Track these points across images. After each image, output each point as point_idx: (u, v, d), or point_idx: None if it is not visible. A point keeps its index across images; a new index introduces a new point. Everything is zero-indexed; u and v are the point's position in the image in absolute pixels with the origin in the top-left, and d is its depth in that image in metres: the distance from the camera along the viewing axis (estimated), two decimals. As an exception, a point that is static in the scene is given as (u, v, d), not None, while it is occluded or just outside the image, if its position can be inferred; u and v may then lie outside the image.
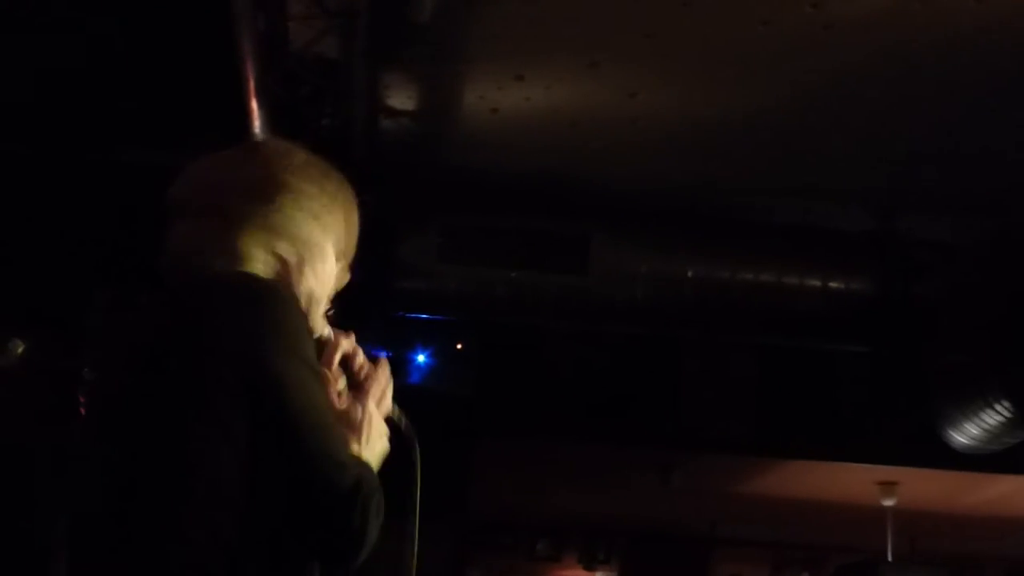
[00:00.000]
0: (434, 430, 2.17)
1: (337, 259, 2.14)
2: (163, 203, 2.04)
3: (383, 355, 2.16)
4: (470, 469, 8.37)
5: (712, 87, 5.34)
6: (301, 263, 2.03)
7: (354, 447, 1.95)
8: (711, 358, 9.00)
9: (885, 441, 8.83)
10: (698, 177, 6.24)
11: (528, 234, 6.33)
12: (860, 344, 6.90)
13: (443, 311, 6.86)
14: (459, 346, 7.93)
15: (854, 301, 6.45)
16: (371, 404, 2.03)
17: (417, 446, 2.15)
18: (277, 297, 1.88)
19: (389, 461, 2.04)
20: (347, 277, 2.16)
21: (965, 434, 7.83)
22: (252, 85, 4.63)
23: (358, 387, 2.06)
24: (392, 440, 2.08)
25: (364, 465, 1.90)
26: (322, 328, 2.08)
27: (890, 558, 10.56)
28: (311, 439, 1.78)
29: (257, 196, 2.00)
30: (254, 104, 4.71)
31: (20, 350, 4.97)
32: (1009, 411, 7.25)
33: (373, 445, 2.01)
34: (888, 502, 10.13)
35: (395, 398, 2.11)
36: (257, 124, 4.77)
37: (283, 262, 2.01)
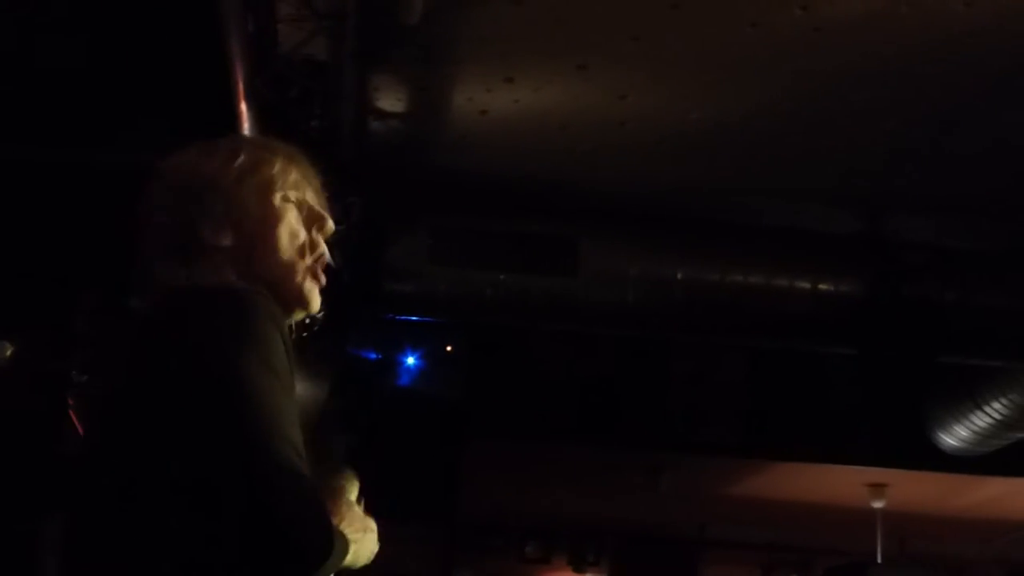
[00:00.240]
0: (424, 432, 2.16)
1: (311, 218, 2.13)
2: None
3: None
4: (460, 471, 8.37)
5: (701, 89, 5.35)
6: (252, 244, 2.03)
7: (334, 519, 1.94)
8: (701, 360, 9.02)
9: (874, 443, 8.86)
10: (688, 179, 6.25)
11: (518, 236, 6.33)
12: (849, 346, 6.91)
13: (433, 313, 6.85)
14: (449, 348, 7.93)
15: (844, 303, 6.46)
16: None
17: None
18: (252, 307, 1.87)
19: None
20: (331, 227, 2.14)
21: (954, 436, 7.86)
22: (241, 87, 4.62)
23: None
24: None
25: (320, 485, 1.89)
26: (315, 304, 2.08)
27: (879, 560, 10.59)
28: (262, 449, 1.75)
29: (190, 204, 2.00)
30: (243, 106, 4.70)
31: (8, 352, 4.96)
32: (998, 413, 7.27)
33: (352, 529, 2.00)
34: (877, 504, 10.15)
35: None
36: (246, 126, 4.77)
37: (231, 246, 2.00)
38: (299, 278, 2.08)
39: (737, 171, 6.17)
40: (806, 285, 6.43)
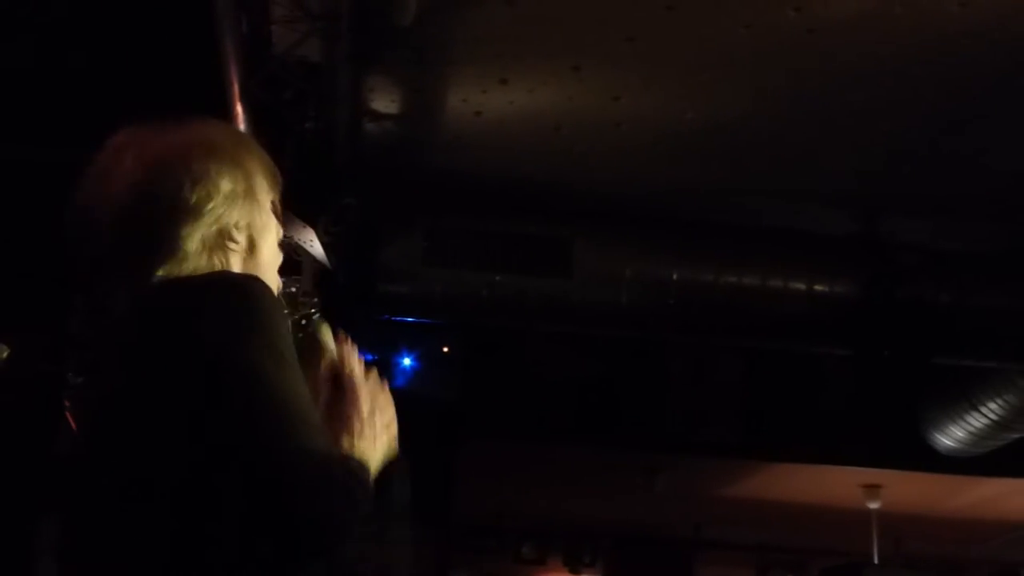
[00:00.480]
0: (419, 434, 2.16)
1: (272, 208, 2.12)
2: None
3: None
4: (455, 472, 8.38)
5: (696, 90, 5.35)
6: (252, 244, 2.03)
7: (345, 441, 1.94)
8: (696, 361, 9.02)
9: (870, 444, 8.87)
10: (682, 180, 6.25)
11: (513, 237, 6.33)
12: (845, 347, 6.91)
13: (428, 314, 6.85)
14: (446, 349, 7.94)
15: (839, 304, 6.46)
16: (364, 402, 2.02)
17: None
18: (251, 291, 1.87)
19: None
20: (281, 231, 2.14)
21: (950, 437, 7.87)
22: (235, 88, 4.62)
23: (350, 384, 2.05)
24: None
25: (348, 457, 1.88)
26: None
27: (875, 561, 10.59)
28: (281, 432, 1.76)
29: (190, 211, 1.98)
30: (238, 107, 4.70)
31: (4, 355, 4.95)
32: (994, 414, 7.28)
33: (368, 440, 1.99)
34: (873, 505, 10.16)
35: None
36: (241, 127, 4.77)
37: (238, 250, 2.00)
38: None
39: (732, 172, 6.17)
40: (801, 286, 6.44)
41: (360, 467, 1.87)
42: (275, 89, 4.95)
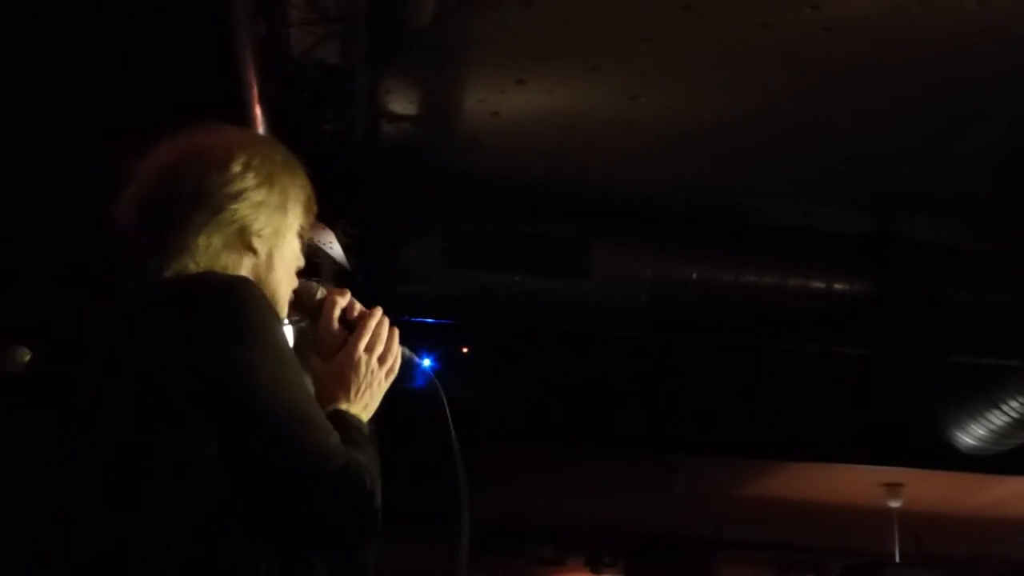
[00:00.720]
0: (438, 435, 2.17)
1: (299, 236, 2.13)
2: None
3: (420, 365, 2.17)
4: (474, 473, 8.37)
5: (713, 89, 5.34)
6: (271, 256, 2.03)
7: (341, 404, 1.96)
8: (714, 361, 9.00)
9: (890, 443, 8.83)
10: (700, 179, 6.24)
11: (530, 238, 6.33)
12: (864, 345, 6.90)
13: (446, 316, 6.85)
14: (465, 350, 7.94)
15: (857, 303, 6.45)
16: (360, 353, 2.03)
17: (443, 398, 2.15)
18: (242, 292, 1.87)
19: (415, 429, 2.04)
20: (302, 261, 2.15)
21: (971, 435, 7.84)
22: (253, 91, 4.63)
23: (360, 322, 2.06)
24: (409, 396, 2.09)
25: (351, 435, 1.89)
26: (318, 293, 2.09)
27: (896, 560, 10.56)
28: (290, 437, 1.78)
29: (210, 205, 1.98)
30: (256, 110, 4.71)
31: (26, 358, 4.98)
32: (1015, 412, 7.25)
33: (364, 396, 2.01)
34: (894, 504, 10.12)
35: (399, 401, 2.11)
36: (260, 130, 4.78)
37: (253, 259, 2.01)
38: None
39: (749, 171, 6.16)
40: (821, 285, 6.42)
41: (363, 457, 1.87)
42: (293, 92, 4.95)
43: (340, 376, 2.01)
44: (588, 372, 8.87)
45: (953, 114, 5.45)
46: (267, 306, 1.89)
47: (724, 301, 6.43)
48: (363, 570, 1.94)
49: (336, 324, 2.06)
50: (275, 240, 2.03)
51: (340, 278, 5.63)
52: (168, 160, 2.03)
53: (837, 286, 6.42)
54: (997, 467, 8.64)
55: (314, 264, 5.17)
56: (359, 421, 1.97)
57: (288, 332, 4.32)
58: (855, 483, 9.90)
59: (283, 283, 2.05)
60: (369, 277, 5.98)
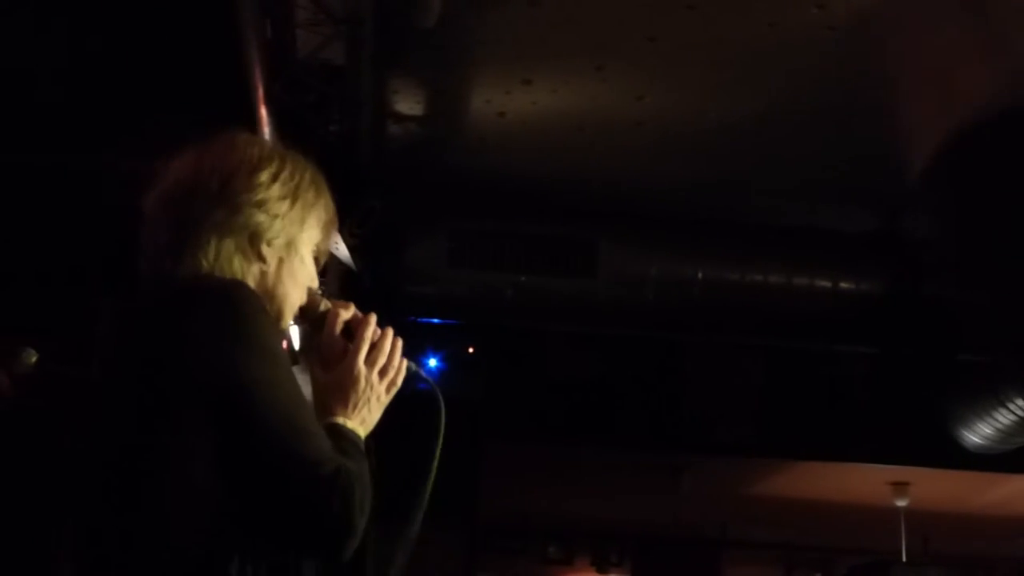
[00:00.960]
0: (444, 434, 2.17)
1: (315, 256, 2.14)
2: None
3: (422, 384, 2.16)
4: (480, 473, 8.37)
5: (718, 89, 5.35)
6: (281, 265, 2.04)
7: (338, 417, 1.96)
8: (720, 360, 9.00)
9: (896, 442, 8.82)
10: (705, 179, 6.24)
11: (536, 238, 6.33)
12: (871, 344, 6.90)
13: (452, 315, 6.86)
14: (471, 350, 7.94)
15: (864, 301, 6.44)
16: (360, 366, 2.03)
17: (442, 409, 2.14)
18: (239, 298, 1.88)
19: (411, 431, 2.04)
20: (316, 282, 2.16)
21: (978, 434, 7.82)
22: (260, 92, 4.64)
23: (359, 333, 2.06)
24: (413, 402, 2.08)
25: (344, 447, 1.89)
26: (321, 306, 2.09)
27: (903, 559, 10.55)
28: (277, 443, 1.78)
29: (230, 205, 2.00)
30: (262, 111, 4.71)
31: (33, 359, 4.98)
32: (1022, 410, 7.23)
33: (362, 411, 2.01)
34: (900, 503, 10.11)
35: (406, 401, 2.11)
36: (265, 131, 4.78)
37: (262, 266, 2.01)
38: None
39: (755, 170, 6.16)
40: (826, 284, 6.42)
41: (355, 466, 1.87)
42: (299, 92, 4.96)
43: (339, 389, 2.01)
44: (594, 372, 8.87)
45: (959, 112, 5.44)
46: (262, 310, 1.90)
47: (730, 300, 6.43)
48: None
49: (338, 336, 2.06)
50: (286, 252, 2.04)
51: (346, 278, 5.63)
52: (201, 159, 2.05)
53: (843, 285, 6.42)
54: (1004, 466, 8.62)
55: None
56: (355, 435, 1.97)
57: (294, 332, 4.32)
58: (862, 482, 9.89)
59: (290, 296, 2.06)
60: (375, 277, 5.99)
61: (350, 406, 1.99)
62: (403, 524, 2.09)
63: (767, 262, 6.42)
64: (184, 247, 1.96)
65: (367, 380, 2.02)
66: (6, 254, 5.54)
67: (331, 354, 2.05)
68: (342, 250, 5.38)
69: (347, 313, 2.09)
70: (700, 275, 6.37)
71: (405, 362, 2.09)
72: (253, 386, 1.79)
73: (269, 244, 2.01)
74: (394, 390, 2.07)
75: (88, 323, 5.01)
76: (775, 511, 11.16)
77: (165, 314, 1.87)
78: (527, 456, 9.43)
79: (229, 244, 1.98)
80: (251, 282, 1.98)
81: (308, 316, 2.10)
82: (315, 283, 2.12)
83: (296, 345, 4.56)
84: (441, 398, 2.14)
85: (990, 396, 7.47)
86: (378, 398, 2.04)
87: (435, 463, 2.13)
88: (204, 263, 1.95)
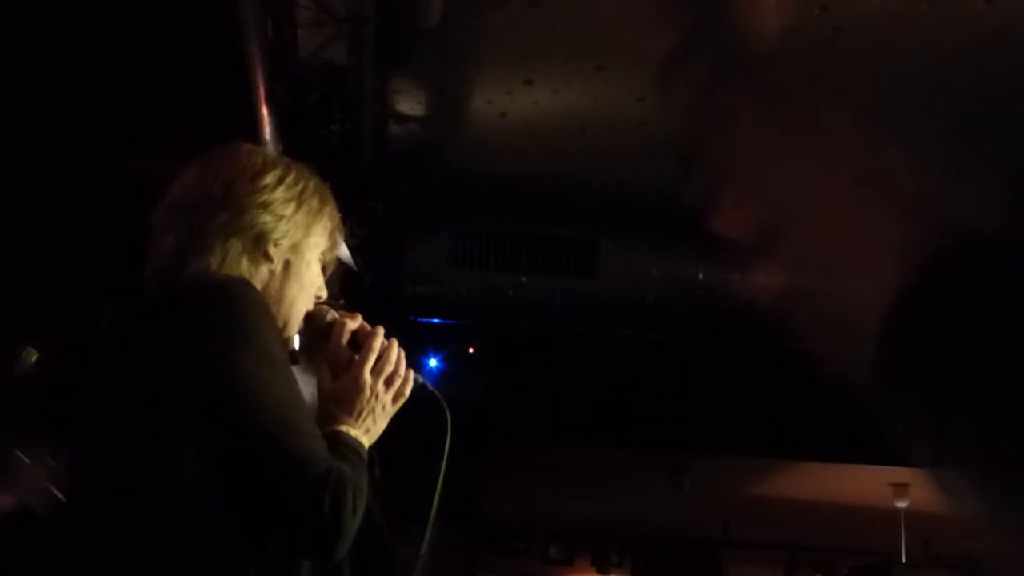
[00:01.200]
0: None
1: (322, 265, 2.15)
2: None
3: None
4: (482, 474, 8.37)
5: (721, 90, 5.33)
6: (287, 268, 2.04)
7: (342, 425, 1.96)
8: (721, 361, 8.99)
9: (897, 443, 8.81)
10: (707, 179, 6.23)
11: (538, 238, 6.33)
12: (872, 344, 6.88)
13: (454, 316, 6.86)
14: (471, 350, 7.94)
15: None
16: (366, 376, 2.03)
17: (448, 417, 2.14)
18: (239, 297, 1.88)
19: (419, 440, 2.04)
20: (324, 291, 2.16)
21: (978, 435, 7.81)
22: (261, 92, 4.63)
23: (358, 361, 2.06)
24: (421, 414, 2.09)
25: (344, 453, 1.90)
26: (328, 316, 2.09)
27: (904, 560, 10.54)
28: (271, 441, 1.79)
29: (235, 207, 2.01)
30: (263, 111, 4.71)
31: (33, 359, 4.98)
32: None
33: (367, 420, 2.01)
34: (901, 504, 10.10)
35: (408, 401, 2.11)
36: (266, 131, 4.77)
37: (269, 268, 2.01)
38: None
39: (757, 171, 6.14)
40: (827, 284, 6.42)
41: (349, 468, 1.87)
42: (300, 92, 4.95)
43: (344, 398, 2.01)
44: (596, 372, 8.86)
45: (964, 114, 5.43)
46: (262, 309, 1.90)
47: (731, 300, 6.43)
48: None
49: (345, 346, 2.07)
50: (292, 255, 2.05)
51: (347, 279, 5.63)
52: (204, 168, 2.07)
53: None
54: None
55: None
56: (357, 443, 1.97)
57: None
58: (863, 483, 9.88)
59: (298, 301, 2.06)
60: (377, 277, 5.98)
61: (354, 415, 2.00)
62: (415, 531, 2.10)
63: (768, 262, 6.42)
64: (190, 251, 1.97)
65: (372, 390, 2.03)
66: (6, 254, 5.54)
67: (337, 363, 2.06)
68: (343, 250, 5.37)
69: (354, 323, 2.10)
70: (701, 275, 6.36)
71: (412, 373, 2.09)
72: (247, 382, 1.80)
73: (275, 245, 2.02)
74: (401, 401, 2.08)
75: (88, 323, 5.01)
76: (776, 512, 11.16)
77: (166, 311, 1.88)
78: (528, 456, 9.43)
79: (236, 245, 1.98)
80: (258, 284, 1.99)
81: (315, 325, 2.10)
82: (323, 292, 2.13)
83: (296, 344, 4.56)
84: (448, 411, 2.14)
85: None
86: (383, 408, 2.04)
87: (443, 475, 2.13)
88: (212, 264, 1.96)
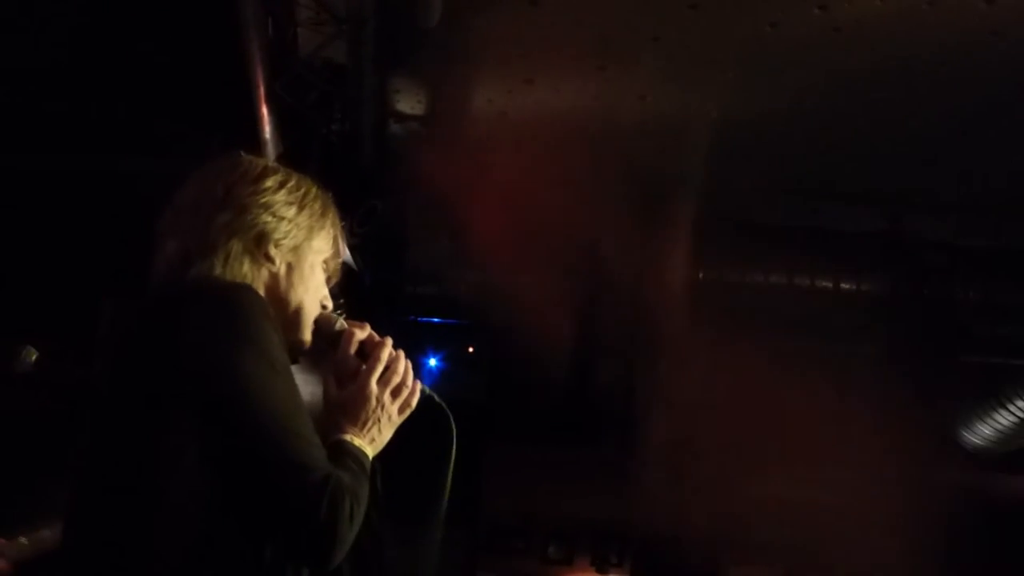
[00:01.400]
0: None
1: (326, 274, 2.15)
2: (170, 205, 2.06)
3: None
4: (481, 474, 8.37)
5: (720, 89, 5.34)
6: (290, 270, 2.04)
7: (347, 434, 1.96)
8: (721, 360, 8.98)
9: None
10: (707, 179, 6.23)
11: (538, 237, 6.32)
12: (872, 345, 6.89)
13: (454, 315, 6.85)
14: (471, 349, 7.94)
15: (866, 302, 6.44)
16: (372, 386, 2.03)
17: (453, 428, 2.15)
18: (239, 301, 1.88)
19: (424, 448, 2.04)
20: (329, 301, 2.16)
21: (978, 435, 7.82)
22: (262, 91, 4.63)
23: (373, 355, 2.06)
24: (426, 423, 2.08)
25: (346, 462, 1.89)
26: (337, 324, 2.09)
27: (903, 560, 10.53)
28: (269, 445, 1.79)
29: (236, 206, 2.01)
30: (264, 110, 4.71)
31: (33, 358, 4.98)
32: (1021, 412, 7.23)
33: (372, 430, 2.00)
34: (901, 503, 10.09)
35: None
36: (267, 130, 4.77)
37: (271, 270, 2.02)
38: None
39: (757, 171, 6.15)
40: (828, 284, 6.42)
41: (348, 476, 1.86)
42: (300, 91, 4.95)
43: (351, 407, 2.01)
44: (595, 372, 8.86)
45: (965, 113, 5.43)
46: (265, 313, 1.90)
47: (730, 300, 6.42)
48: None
49: (353, 356, 2.07)
50: (294, 257, 2.05)
51: (348, 278, 5.62)
52: (206, 174, 2.07)
53: (844, 285, 6.42)
54: (1005, 467, 8.62)
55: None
56: (361, 452, 1.96)
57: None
58: (862, 483, 9.87)
59: (304, 304, 2.06)
60: (377, 277, 5.98)
61: (359, 424, 2.00)
62: (421, 536, 2.10)
63: (768, 262, 6.42)
64: (193, 252, 1.97)
65: (379, 400, 2.03)
66: (6, 254, 5.54)
67: (344, 372, 2.05)
68: (343, 250, 5.37)
69: (362, 333, 2.09)
70: (701, 275, 6.36)
71: (419, 384, 2.09)
72: (248, 384, 1.79)
73: (276, 246, 2.02)
74: (408, 412, 2.07)
75: (88, 323, 5.01)
76: (776, 512, 11.14)
77: (169, 311, 1.88)
78: (528, 456, 9.43)
79: (237, 245, 1.99)
80: (261, 286, 1.99)
81: (323, 333, 2.10)
82: (329, 301, 2.13)
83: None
84: (453, 422, 2.15)
85: (990, 397, 7.48)
86: (389, 419, 2.04)
87: (448, 483, 2.14)
88: (216, 267, 1.96)
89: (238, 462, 1.78)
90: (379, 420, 2.02)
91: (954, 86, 5.19)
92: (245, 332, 1.83)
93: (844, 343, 7.14)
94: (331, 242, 2.14)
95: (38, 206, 5.71)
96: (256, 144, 4.67)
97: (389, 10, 4.57)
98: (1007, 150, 5.71)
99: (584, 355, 8.82)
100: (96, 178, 5.56)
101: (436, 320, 6.96)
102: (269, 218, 2.02)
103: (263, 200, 2.02)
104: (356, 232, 5.47)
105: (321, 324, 2.10)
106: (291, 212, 2.05)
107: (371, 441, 2.00)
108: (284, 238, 2.03)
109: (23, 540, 4.70)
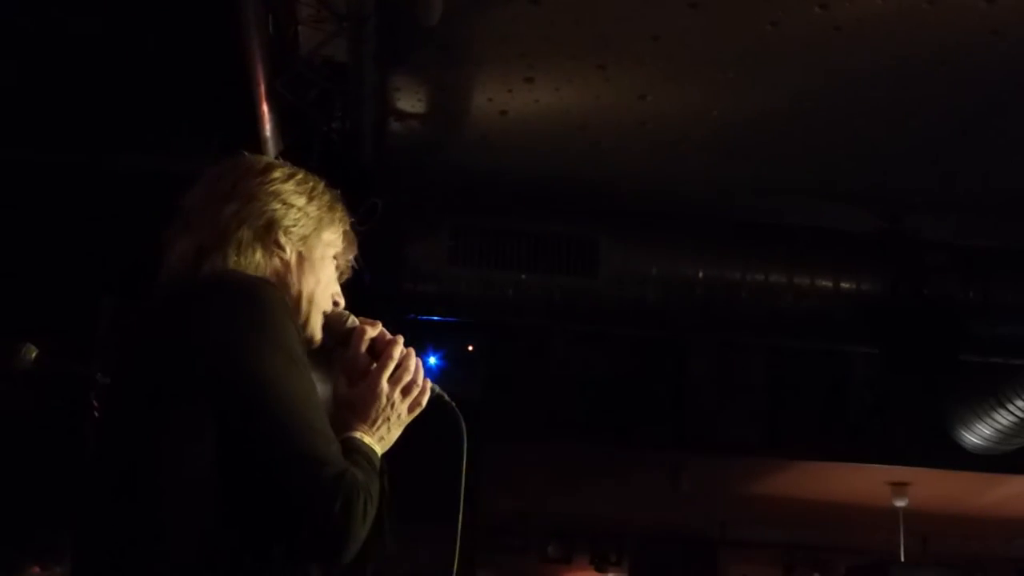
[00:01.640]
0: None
1: (337, 271, 2.15)
2: (174, 207, 2.05)
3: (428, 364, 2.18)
4: (480, 472, 8.37)
5: (721, 88, 5.34)
6: (301, 260, 2.04)
7: (357, 432, 1.96)
8: (720, 359, 9.00)
9: (897, 442, 8.82)
10: (707, 178, 6.24)
11: (538, 236, 6.32)
12: (871, 345, 6.89)
13: (453, 314, 6.85)
14: (470, 348, 7.93)
15: (865, 301, 6.44)
16: (383, 384, 2.02)
17: (464, 428, 2.15)
18: (259, 293, 1.88)
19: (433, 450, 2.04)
20: (341, 297, 2.16)
21: (977, 434, 7.82)
22: (262, 89, 4.63)
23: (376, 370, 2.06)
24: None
25: (357, 459, 1.89)
26: (348, 321, 2.09)
27: (902, 559, 10.55)
28: (286, 438, 1.78)
29: (244, 196, 2.01)
30: (265, 108, 4.71)
31: (33, 355, 4.97)
32: (1021, 411, 7.23)
33: (381, 428, 2.00)
34: (900, 503, 10.11)
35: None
36: (268, 128, 4.77)
37: (282, 258, 2.02)
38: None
39: (757, 169, 6.15)
40: (828, 283, 6.42)
41: (362, 473, 1.86)
42: (301, 89, 4.95)
43: (361, 405, 2.01)
44: (595, 370, 8.86)
45: (964, 112, 5.44)
46: (283, 309, 1.90)
47: (731, 299, 6.43)
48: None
49: (364, 353, 2.06)
50: (304, 246, 2.05)
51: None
52: (213, 171, 2.07)
53: (844, 284, 6.42)
54: (1003, 466, 8.63)
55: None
56: (371, 450, 1.96)
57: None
58: (861, 482, 9.88)
59: (316, 297, 2.06)
60: (377, 275, 5.98)
61: (369, 422, 1.99)
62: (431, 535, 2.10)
63: (768, 261, 6.42)
64: (205, 246, 1.97)
65: (389, 398, 2.02)
66: (6, 253, 5.54)
67: (355, 370, 2.05)
68: (354, 247, 5.37)
69: (374, 331, 2.09)
70: (701, 274, 6.36)
71: (429, 383, 2.09)
72: (266, 376, 1.79)
73: (286, 234, 2.03)
74: (418, 410, 2.07)
75: (88, 321, 5.01)
76: (775, 510, 11.16)
77: (185, 304, 1.87)
78: (527, 454, 9.42)
79: (247, 233, 1.99)
80: (272, 274, 1.99)
81: (334, 330, 2.09)
82: (340, 298, 2.13)
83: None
84: (463, 423, 2.14)
85: (990, 397, 7.48)
86: (399, 417, 2.04)
87: (462, 483, 2.14)
88: (230, 258, 1.96)
89: (253, 454, 1.77)
90: (388, 419, 2.02)
91: (954, 86, 5.19)
92: (265, 324, 1.83)
93: (844, 343, 7.15)
94: (341, 237, 2.14)
95: (38, 204, 5.71)
96: (256, 142, 4.67)
97: (390, 8, 4.57)
98: (1007, 150, 5.71)
99: (588, 352, 8.84)
100: (96, 176, 5.56)
101: (436, 318, 6.96)
102: (278, 205, 2.02)
103: (271, 188, 2.03)
104: (355, 230, 5.47)
105: (332, 321, 2.09)
106: (301, 201, 2.05)
107: (380, 439, 2.00)
108: (294, 225, 2.03)
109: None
